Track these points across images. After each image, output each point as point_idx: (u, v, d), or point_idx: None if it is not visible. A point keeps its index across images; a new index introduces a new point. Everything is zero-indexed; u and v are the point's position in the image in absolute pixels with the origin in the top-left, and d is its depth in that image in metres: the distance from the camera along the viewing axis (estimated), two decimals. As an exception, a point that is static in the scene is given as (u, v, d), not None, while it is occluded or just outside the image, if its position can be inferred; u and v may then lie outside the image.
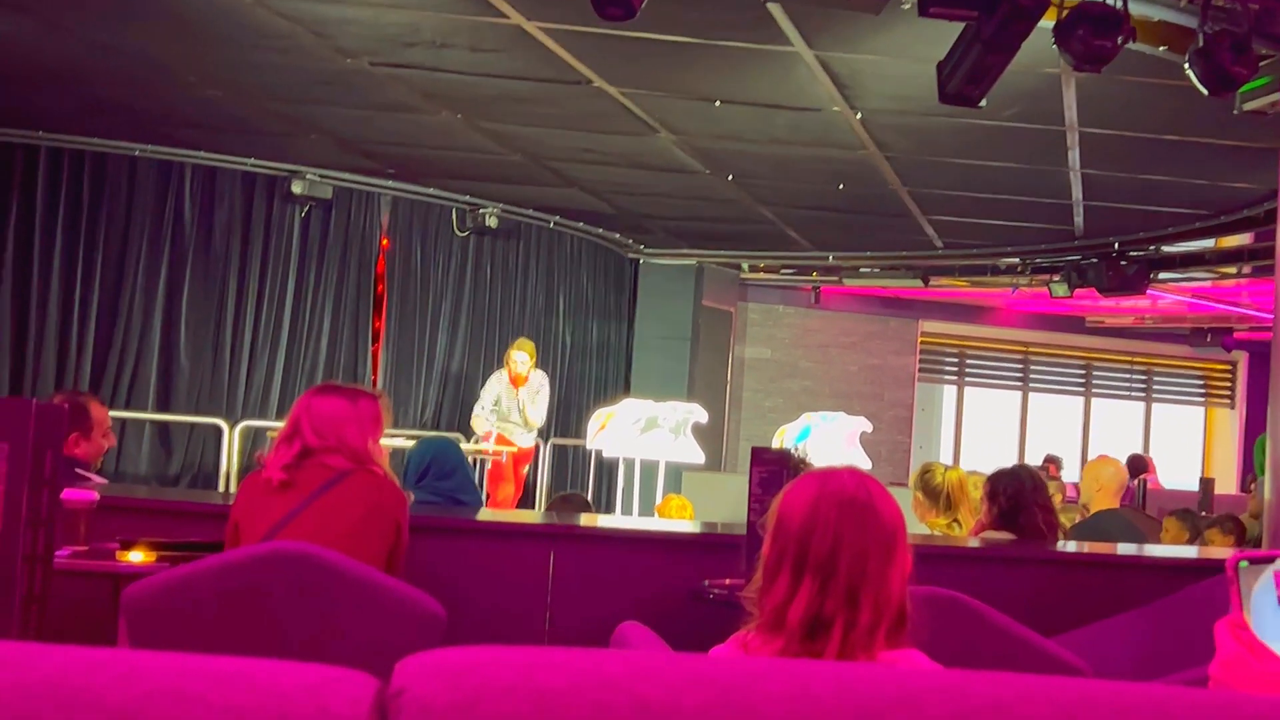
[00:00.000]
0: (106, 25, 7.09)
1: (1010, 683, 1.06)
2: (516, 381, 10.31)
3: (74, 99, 8.86)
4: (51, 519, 2.06)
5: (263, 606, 3.36)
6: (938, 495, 5.94)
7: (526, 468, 10.72)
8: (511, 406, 10.31)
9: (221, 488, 9.66)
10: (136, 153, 9.97)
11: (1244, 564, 1.77)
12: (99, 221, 9.89)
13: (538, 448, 11.06)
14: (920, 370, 16.37)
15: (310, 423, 3.71)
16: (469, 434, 10.53)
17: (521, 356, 10.30)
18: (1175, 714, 1.03)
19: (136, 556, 3.81)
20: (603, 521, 6.32)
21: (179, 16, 6.81)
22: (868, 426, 10.80)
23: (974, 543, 5.23)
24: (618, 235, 13.15)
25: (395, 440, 10.69)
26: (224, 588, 3.37)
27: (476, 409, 10.41)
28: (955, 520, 5.93)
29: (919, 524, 5.97)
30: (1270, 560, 1.72)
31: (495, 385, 10.40)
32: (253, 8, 6.50)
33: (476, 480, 11.36)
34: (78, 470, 5.05)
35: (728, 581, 4.14)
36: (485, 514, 5.98)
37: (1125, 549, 5.68)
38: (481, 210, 11.49)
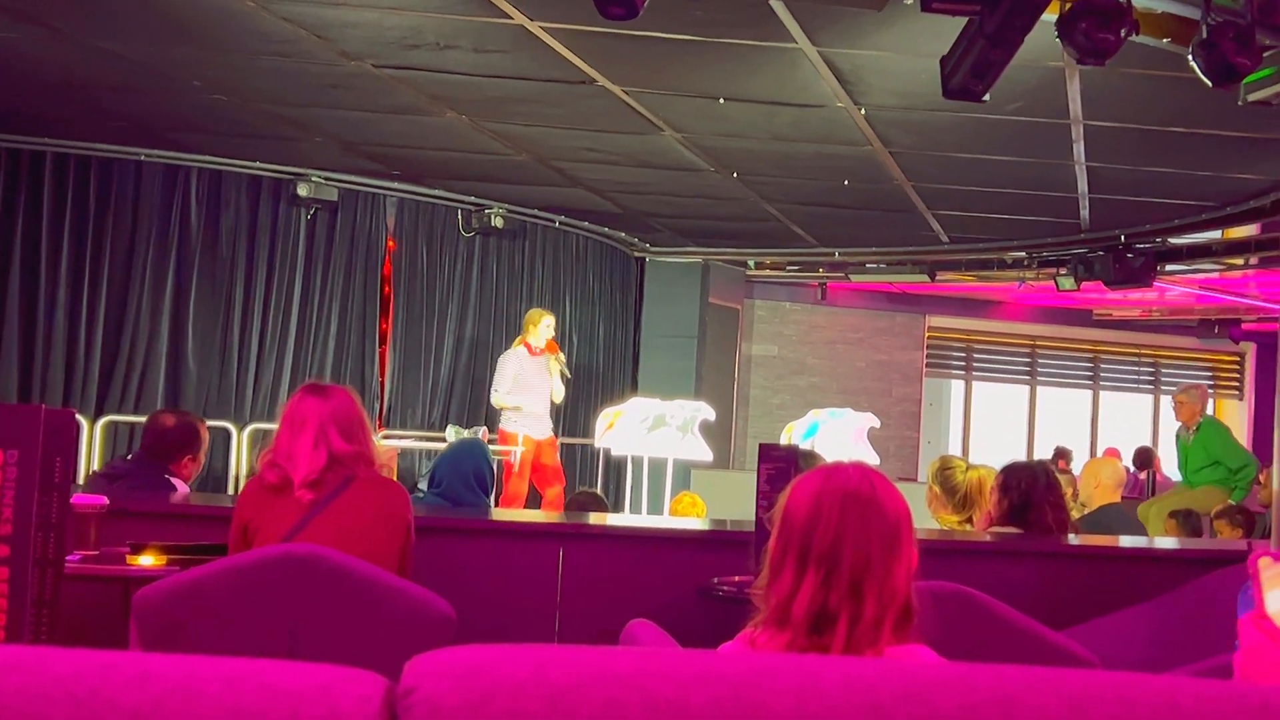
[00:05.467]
0: (111, 32, 7.11)
1: (1015, 676, 1.07)
2: (551, 348, 9.93)
3: (79, 105, 8.88)
4: (62, 524, 2.07)
5: (273, 609, 3.37)
6: (955, 492, 5.92)
7: (558, 456, 10.28)
8: (537, 379, 9.84)
9: (231, 490, 9.67)
10: (142, 158, 9.99)
11: (1265, 561, 1.79)
12: (105, 227, 9.91)
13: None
14: (928, 365, 16.36)
15: (331, 427, 3.70)
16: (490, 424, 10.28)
17: (549, 321, 9.97)
18: (1180, 704, 1.04)
19: (147, 560, 3.83)
20: (612, 520, 6.32)
21: (182, 22, 6.83)
22: (875, 422, 10.81)
23: (981, 536, 5.22)
24: (623, 234, 13.15)
25: (405, 441, 10.76)
26: (235, 590, 3.38)
27: (496, 395, 9.91)
28: (969, 520, 5.93)
29: (929, 519, 5.96)
30: None
31: (512, 363, 9.88)
32: (256, 12, 6.52)
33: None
34: (173, 481, 5.12)
35: (737, 578, 4.15)
36: (496, 514, 5.99)
37: (1133, 542, 5.69)
38: (487, 211, 11.50)
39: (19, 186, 9.69)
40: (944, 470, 5.99)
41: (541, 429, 9.84)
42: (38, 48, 7.50)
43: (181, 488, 5.23)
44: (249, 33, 6.88)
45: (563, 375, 9.89)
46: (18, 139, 9.66)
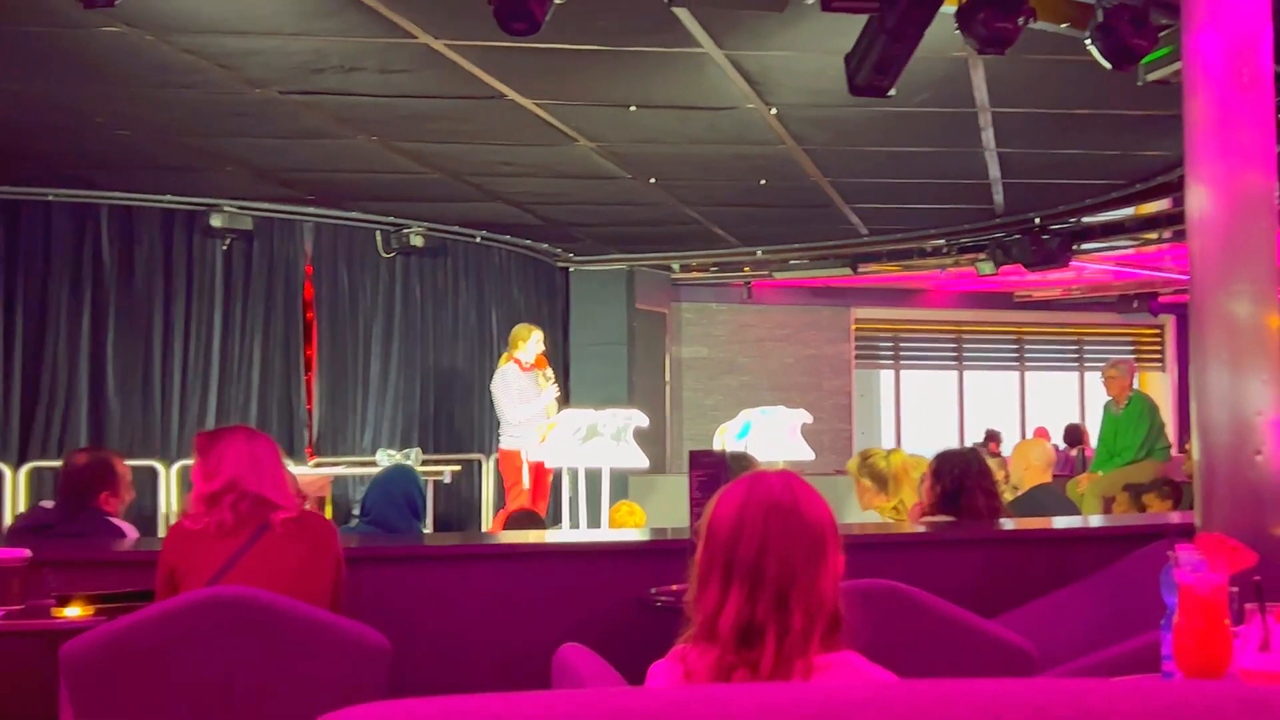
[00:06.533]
0: (8, 73, 6.97)
1: (929, 689, 1.07)
2: (541, 363, 9.87)
3: (-20, 148, 8.72)
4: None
5: (206, 654, 3.32)
6: (883, 478, 6.02)
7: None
8: (531, 394, 9.74)
9: (162, 531, 9.52)
10: (50, 198, 9.80)
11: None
12: (16, 270, 9.70)
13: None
14: (856, 357, 16.49)
15: (244, 471, 3.67)
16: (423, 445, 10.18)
17: (539, 335, 9.88)
18: (1093, 707, 1.04)
19: (73, 611, 3.75)
20: (549, 537, 6.30)
21: (82, 59, 6.72)
22: (808, 418, 10.85)
23: (915, 528, 5.26)
24: (546, 245, 13.12)
25: (337, 469, 10.65)
26: (165, 637, 3.33)
27: (511, 413, 9.73)
28: (900, 502, 6.01)
29: (860, 512, 6.01)
30: None
31: (511, 380, 9.78)
32: (156, 45, 6.43)
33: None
34: (113, 521, 5.05)
35: (674, 587, 4.14)
36: (429, 539, 5.95)
37: (1065, 522, 5.76)
38: (405, 230, 11.42)
39: (-78, 235, 9.49)
40: (866, 462, 6.10)
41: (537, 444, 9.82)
42: (-67, 93, 7.35)
43: (130, 530, 5.17)
44: (151, 66, 6.79)
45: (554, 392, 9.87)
46: (-81, 187, 9.47)
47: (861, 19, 5.35)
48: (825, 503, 2.21)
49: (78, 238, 9.96)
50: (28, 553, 3.96)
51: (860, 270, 13.43)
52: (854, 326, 16.40)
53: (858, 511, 6.09)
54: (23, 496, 9.21)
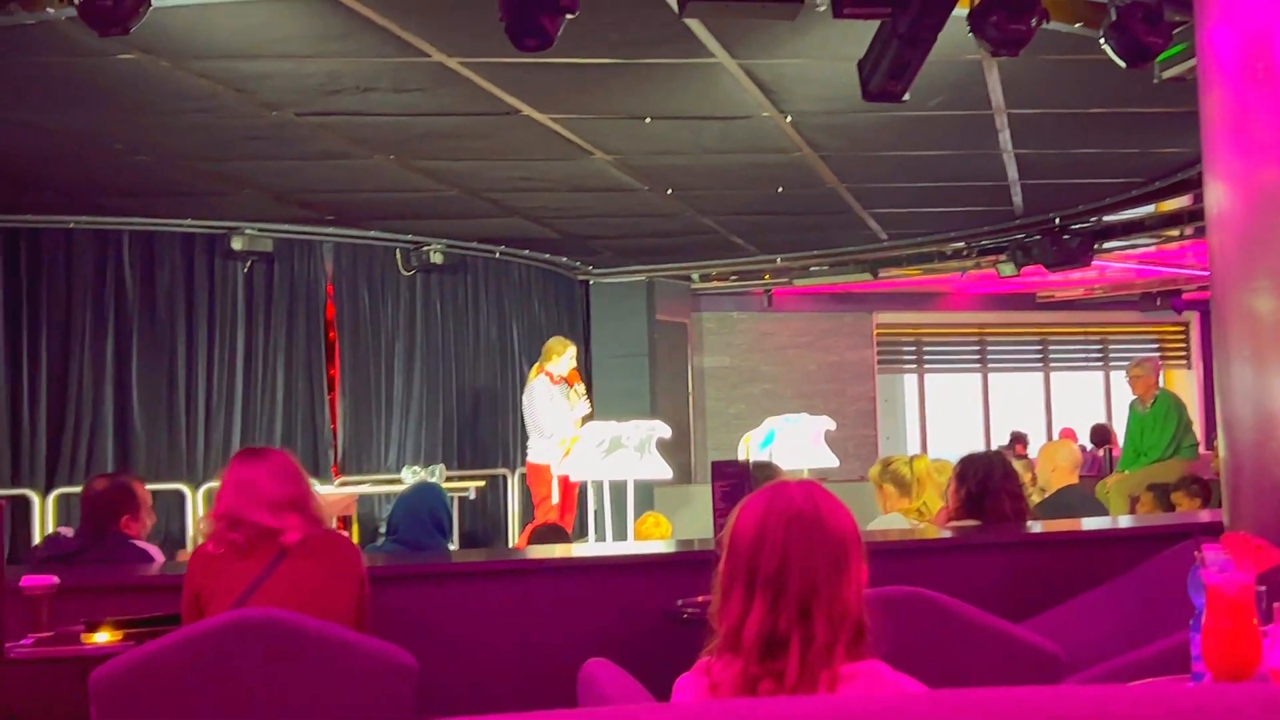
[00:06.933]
0: (27, 103, 7.03)
1: (954, 699, 1.06)
2: (573, 378, 9.89)
3: (2, 178, 8.77)
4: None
5: (233, 676, 3.33)
6: (905, 482, 6.04)
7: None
8: (564, 412, 9.75)
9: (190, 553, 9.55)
10: (71, 225, 9.88)
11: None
12: (39, 299, 9.78)
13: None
14: (879, 362, 16.44)
15: (257, 493, 3.68)
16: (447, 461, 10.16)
17: (573, 351, 9.89)
18: (1116, 713, 1.04)
19: (102, 637, 3.77)
20: (575, 551, 6.30)
21: (99, 88, 6.76)
22: (831, 425, 10.81)
23: (939, 532, 5.24)
24: (565, 259, 13.14)
25: (362, 487, 10.67)
26: (192, 661, 3.33)
27: (548, 441, 9.67)
28: (924, 504, 6.01)
29: (884, 517, 6.00)
30: None
31: (542, 393, 9.78)
32: (171, 72, 6.46)
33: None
34: (137, 544, 5.09)
35: (700, 599, 4.13)
36: (456, 556, 5.95)
37: (1092, 524, 5.72)
38: (425, 247, 11.46)
39: (-53, 266, 9.56)
40: (888, 469, 6.11)
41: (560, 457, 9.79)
42: (-47, 126, 7.41)
43: (155, 552, 5.19)
44: (167, 92, 6.83)
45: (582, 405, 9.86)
46: (-59, 218, 9.55)
47: (873, 25, 5.35)
48: (848, 512, 2.21)
49: (100, 264, 10.03)
50: (55, 579, 3.97)
51: (880, 275, 13.40)
52: (876, 331, 16.35)
53: (882, 517, 6.08)
54: (50, 523, 9.26)
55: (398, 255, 11.57)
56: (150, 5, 4.83)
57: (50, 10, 5.33)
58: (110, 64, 6.31)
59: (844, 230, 11.88)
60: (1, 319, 9.63)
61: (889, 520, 5.94)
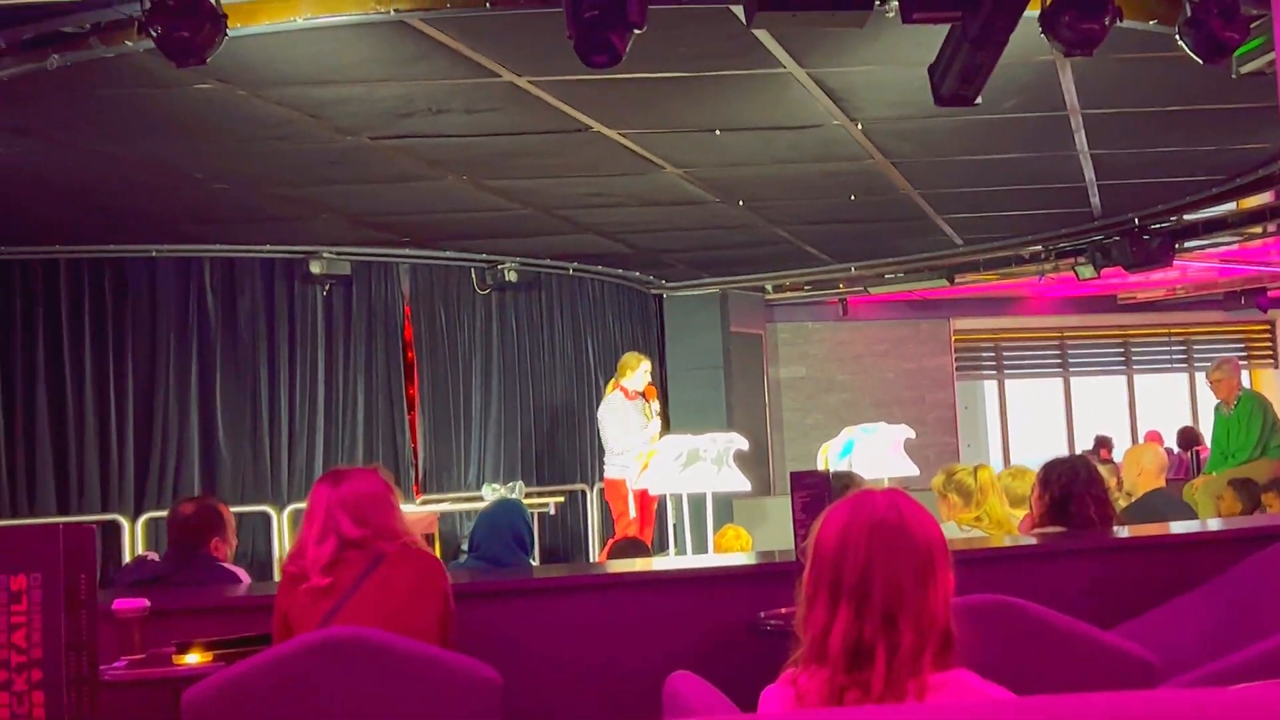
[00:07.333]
0: (108, 135, 7.19)
1: (1044, 705, 1.05)
2: (650, 393, 9.91)
3: (85, 210, 8.98)
4: (93, 640, 2.07)
5: (321, 694, 3.37)
6: (969, 491, 6.00)
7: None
8: (636, 423, 9.76)
9: (278, 575, 9.68)
10: (153, 253, 10.09)
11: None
12: (125, 327, 9.99)
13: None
14: (958, 368, 16.27)
15: (339, 513, 3.72)
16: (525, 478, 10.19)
17: (647, 366, 9.89)
18: (1215, 718, 1.02)
19: (193, 658, 3.82)
20: (656, 565, 6.30)
21: (178, 118, 6.90)
22: (911, 433, 10.71)
23: (1023, 540, 5.17)
24: (638, 273, 13.17)
25: (443, 505, 10.75)
26: (280, 681, 3.38)
27: (618, 442, 9.72)
28: (985, 512, 5.97)
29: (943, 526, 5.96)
30: None
31: (618, 408, 9.80)
32: (248, 100, 6.58)
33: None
34: (225, 566, 5.18)
35: (784, 611, 4.10)
36: (538, 572, 5.97)
37: (1180, 527, 5.62)
38: (500, 266, 11.55)
39: (36, 297, 9.78)
40: (952, 478, 6.05)
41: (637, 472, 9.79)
42: (38, 158, 7.59)
43: (242, 575, 5.26)
44: (244, 120, 6.95)
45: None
46: (28, 250, 9.77)
47: (943, 29, 5.31)
48: (934, 520, 2.19)
49: (182, 291, 10.22)
50: (147, 603, 4.04)
51: (957, 281, 13.28)
52: (954, 338, 16.18)
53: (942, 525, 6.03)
54: (140, 546, 9.43)
55: (473, 274, 11.67)
56: (226, 35, 4.92)
57: (128, 43, 5.43)
58: (188, 94, 6.44)
59: (918, 236, 11.80)
60: (91, 347, 9.84)
61: (947, 530, 5.89)
